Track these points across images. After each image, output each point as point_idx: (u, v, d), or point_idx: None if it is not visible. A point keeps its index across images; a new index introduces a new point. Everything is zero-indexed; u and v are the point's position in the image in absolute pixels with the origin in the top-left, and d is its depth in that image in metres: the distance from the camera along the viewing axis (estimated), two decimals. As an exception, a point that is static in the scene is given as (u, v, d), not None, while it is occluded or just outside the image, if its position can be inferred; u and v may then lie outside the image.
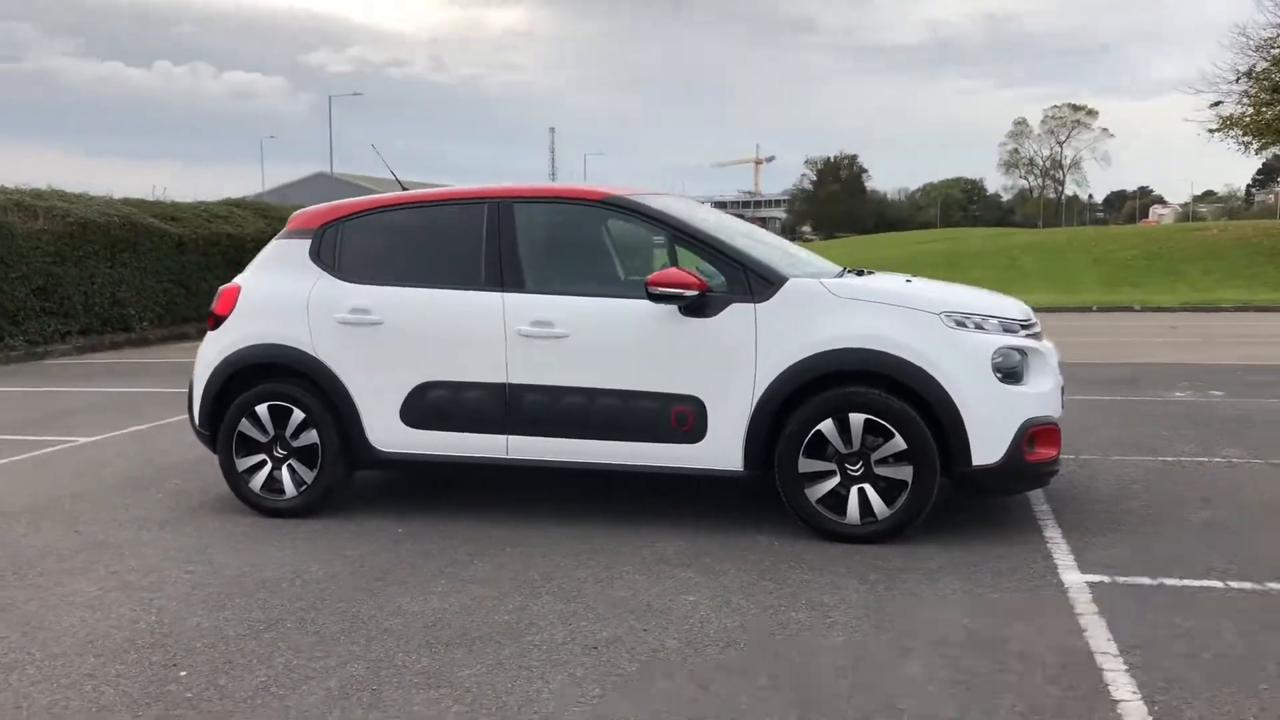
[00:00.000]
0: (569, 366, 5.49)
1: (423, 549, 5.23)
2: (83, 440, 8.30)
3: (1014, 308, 5.63)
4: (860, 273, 5.84)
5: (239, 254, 18.54)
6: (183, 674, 3.77)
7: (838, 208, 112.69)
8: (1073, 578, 4.64)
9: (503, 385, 5.54)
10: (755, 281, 5.35)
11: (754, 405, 5.25)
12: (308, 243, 6.03)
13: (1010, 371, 5.21)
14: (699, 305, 5.32)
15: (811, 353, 5.20)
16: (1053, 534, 5.29)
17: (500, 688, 3.62)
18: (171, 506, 6.12)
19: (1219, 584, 4.52)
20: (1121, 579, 4.61)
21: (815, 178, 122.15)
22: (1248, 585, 4.50)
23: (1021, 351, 5.29)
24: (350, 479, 5.97)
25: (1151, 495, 6.03)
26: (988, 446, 5.12)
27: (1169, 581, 4.57)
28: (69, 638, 4.14)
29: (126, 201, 17.63)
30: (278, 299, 5.97)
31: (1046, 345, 5.49)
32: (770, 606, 4.37)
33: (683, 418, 5.33)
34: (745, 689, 3.59)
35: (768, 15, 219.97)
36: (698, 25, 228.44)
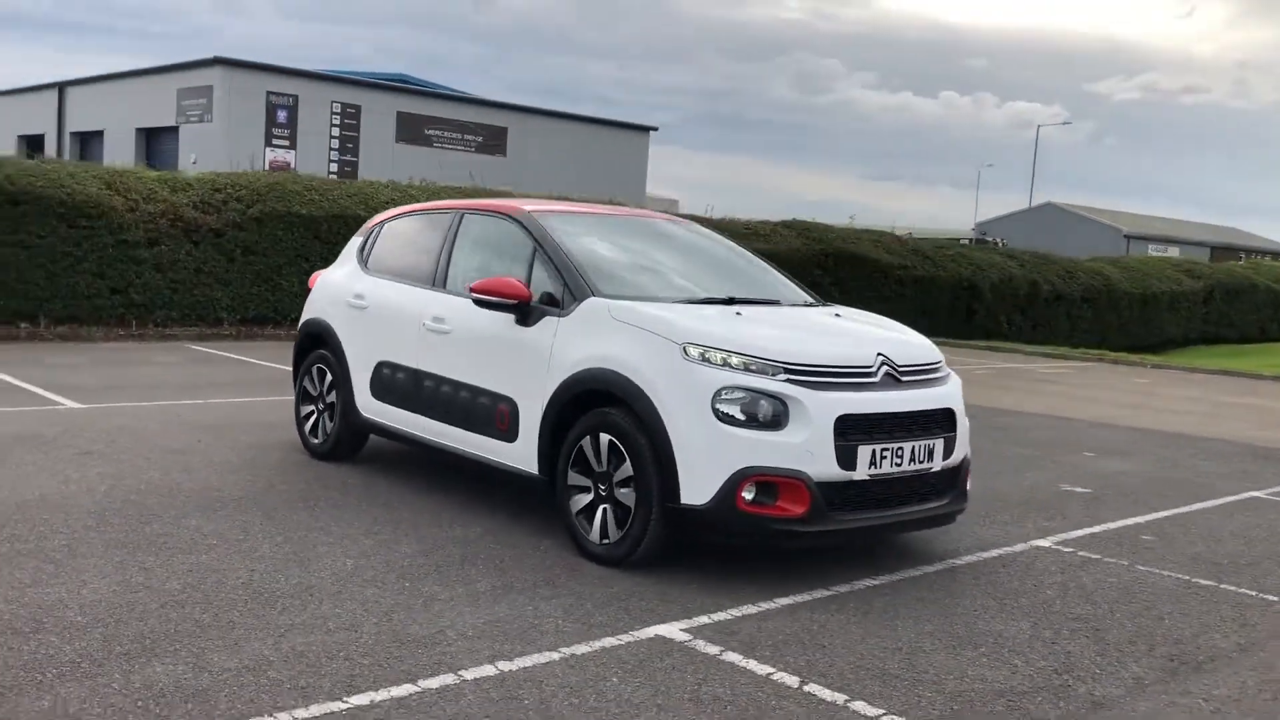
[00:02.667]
0: (447, 359, 6.23)
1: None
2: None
3: (836, 352, 5.24)
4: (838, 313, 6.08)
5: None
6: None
7: None
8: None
9: (415, 370, 6.45)
10: (565, 295, 5.64)
11: (542, 414, 5.58)
12: (361, 240, 7.42)
13: (750, 415, 4.93)
14: (524, 313, 5.75)
15: (577, 369, 5.40)
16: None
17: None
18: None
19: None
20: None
21: None
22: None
23: (773, 397, 4.96)
24: (356, 439, 7.18)
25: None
26: (696, 486, 4.94)
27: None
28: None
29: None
30: (328, 284, 7.45)
31: (826, 397, 5.00)
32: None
33: (503, 417, 5.81)
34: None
35: None
36: None
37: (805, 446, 4.92)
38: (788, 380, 5.01)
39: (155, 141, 34.89)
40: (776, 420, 4.94)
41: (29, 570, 4.67)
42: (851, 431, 5.03)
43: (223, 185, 15.27)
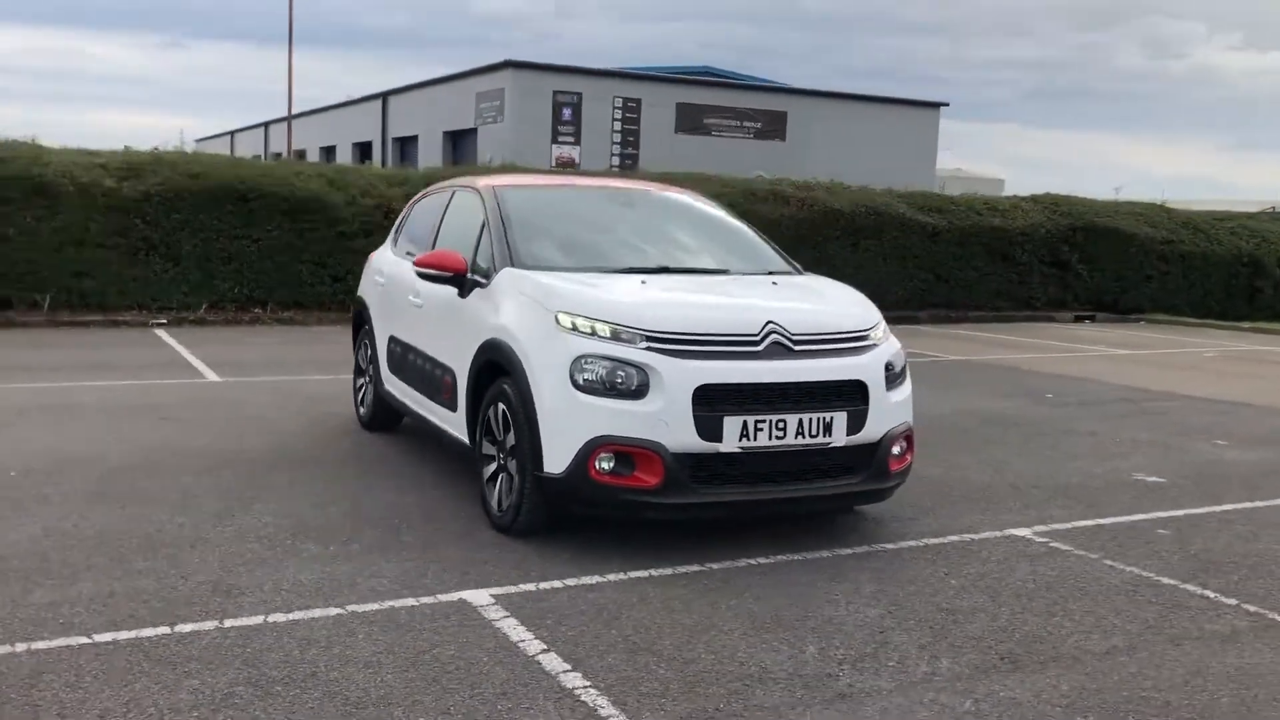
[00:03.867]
0: (421, 332, 6.47)
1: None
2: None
3: (712, 319, 5.04)
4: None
5: (1003, 245, 19.12)
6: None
7: None
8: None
9: (406, 344, 6.73)
10: (492, 267, 5.71)
11: (467, 384, 5.69)
12: (399, 219, 7.78)
13: (609, 384, 4.84)
14: (460, 285, 5.87)
15: (483, 340, 5.48)
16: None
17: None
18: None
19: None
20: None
21: None
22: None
23: (634, 365, 4.84)
24: (389, 412, 7.43)
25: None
26: (556, 455, 4.91)
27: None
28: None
29: (895, 193, 19.40)
30: (369, 262, 7.87)
31: (685, 366, 4.81)
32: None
33: (447, 388, 5.98)
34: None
35: None
36: None
37: (660, 416, 4.78)
38: (648, 348, 4.87)
39: (460, 144, 37.41)
40: (639, 390, 4.82)
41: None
42: (718, 401, 4.82)
43: (439, 177, 16.26)
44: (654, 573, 4.80)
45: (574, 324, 5.01)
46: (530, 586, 4.58)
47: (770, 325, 5.05)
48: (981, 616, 4.44)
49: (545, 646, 3.96)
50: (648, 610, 4.37)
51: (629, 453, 4.80)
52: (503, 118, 34.42)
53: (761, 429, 4.89)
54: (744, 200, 16.67)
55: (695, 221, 6.78)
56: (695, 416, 4.79)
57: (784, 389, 4.95)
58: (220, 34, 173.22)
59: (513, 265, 5.61)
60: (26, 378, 9.34)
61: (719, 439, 4.82)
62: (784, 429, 4.92)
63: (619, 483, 4.82)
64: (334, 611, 4.23)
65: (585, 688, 3.65)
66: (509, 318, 5.31)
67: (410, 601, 4.37)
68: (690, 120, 36.00)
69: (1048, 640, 4.21)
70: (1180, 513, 6.15)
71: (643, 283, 5.43)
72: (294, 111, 41.17)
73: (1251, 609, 4.63)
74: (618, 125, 35.63)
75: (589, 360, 4.89)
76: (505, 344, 5.24)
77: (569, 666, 3.80)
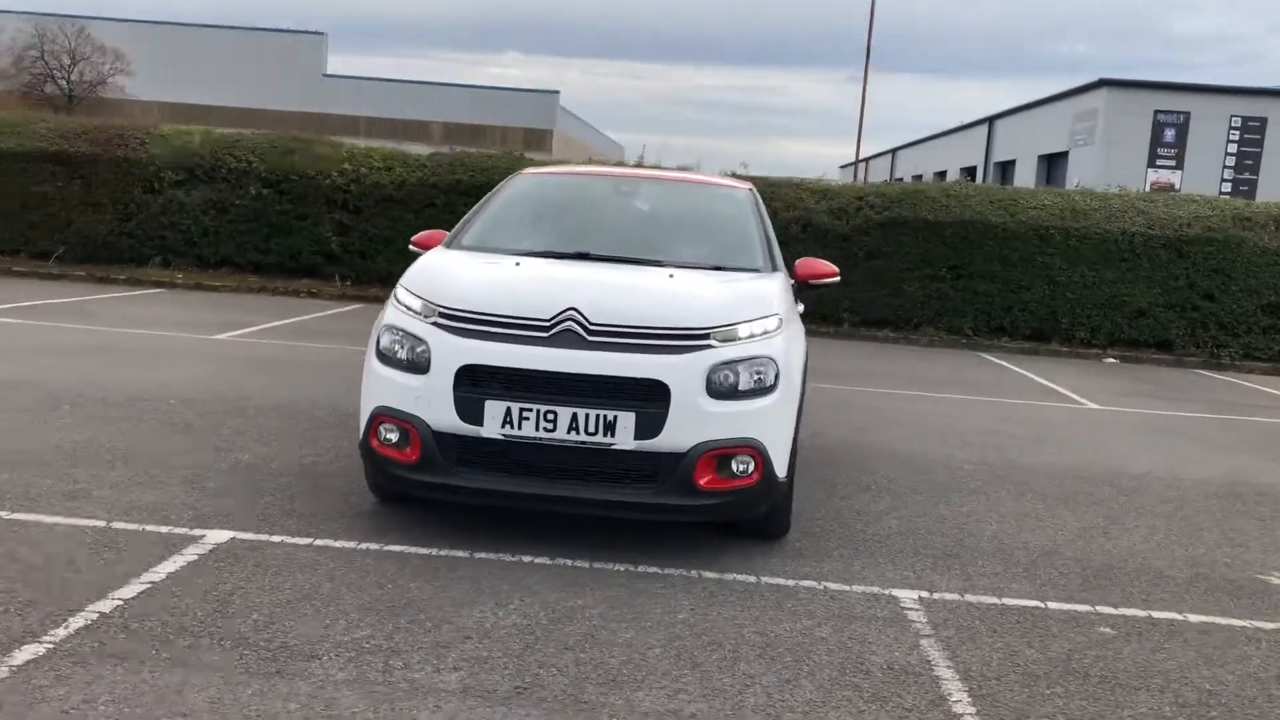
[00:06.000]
0: None
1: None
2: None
3: (504, 299, 4.81)
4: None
5: None
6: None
7: None
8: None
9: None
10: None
11: None
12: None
13: (396, 356, 4.84)
14: None
15: None
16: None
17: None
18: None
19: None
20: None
21: None
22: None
23: (416, 339, 4.79)
24: None
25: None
26: (362, 423, 5.00)
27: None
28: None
29: None
30: None
31: (453, 343, 4.64)
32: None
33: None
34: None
35: None
36: None
37: (421, 391, 4.69)
38: (434, 324, 4.79)
39: (1053, 168, 35.58)
40: (419, 364, 4.77)
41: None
42: (482, 384, 4.61)
43: (865, 194, 15.98)
44: (411, 549, 4.72)
45: (399, 296, 5.06)
46: (266, 538, 4.76)
47: (569, 312, 4.69)
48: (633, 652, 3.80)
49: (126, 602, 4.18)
50: (264, 583, 4.36)
51: (401, 426, 4.76)
52: (1092, 140, 32.12)
53: (528, 418, 4.57)
54: None
55: (699, 215, 6.30)
56: (456, 397, 4.62)
57: (557, 379, 4.57)
58: (894, 67, 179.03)
59: (447, 246, 5.74)
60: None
61: (480, 423, 4.60)
62: (554, 421, 4.55)
63: (391, 455, 4.80)
64: (81, 522, 4.79)
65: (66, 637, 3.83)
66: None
67: (153, 529, 4.78)
68: (1331, 140, 30.77)
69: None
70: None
71: (516, 264, 5.29)
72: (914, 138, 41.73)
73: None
74: (1233, 148, 31.54)
75: (388, 330, 4.93)
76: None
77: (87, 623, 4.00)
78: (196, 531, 4.78)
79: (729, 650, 3.90)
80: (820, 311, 14.79)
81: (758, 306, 5.01)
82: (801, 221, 15.54)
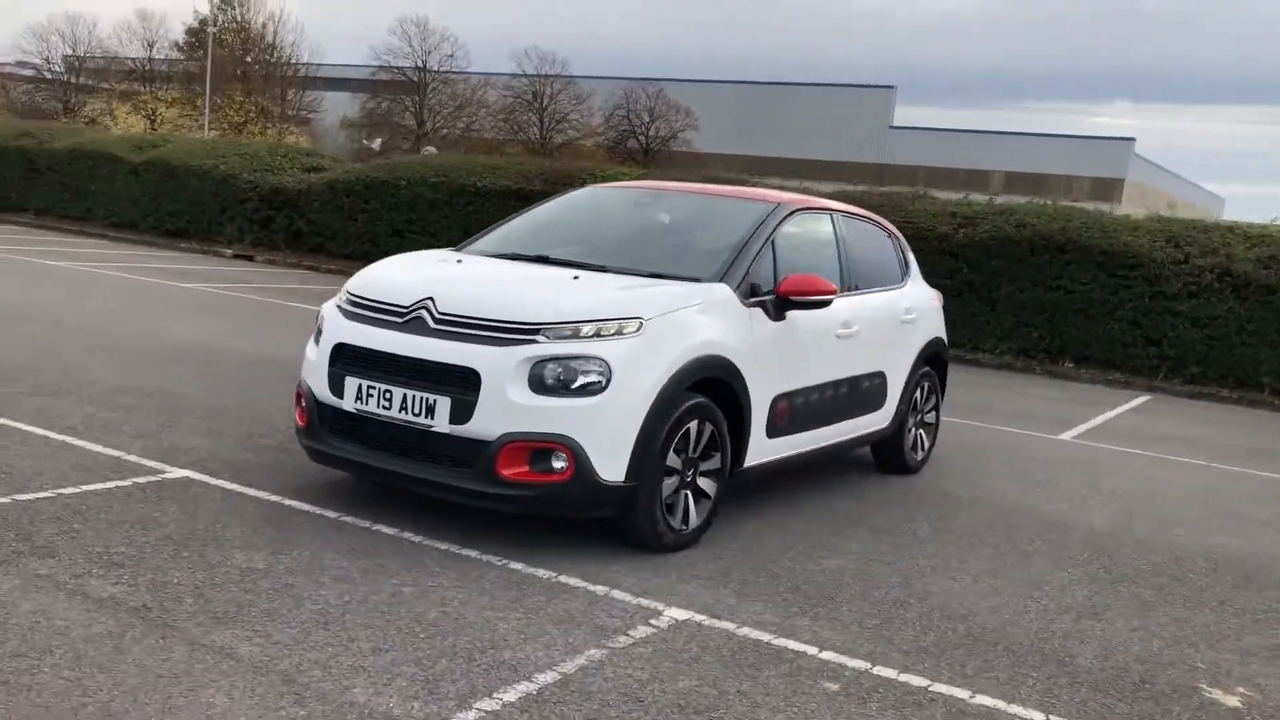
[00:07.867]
0: None
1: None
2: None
3: (387, 289, 5.19)
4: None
5: None
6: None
7: None
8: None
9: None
10: None
11: None
12: None
13: (316, 334, 5.43)
14: None
15: None
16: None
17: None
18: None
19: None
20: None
21: None
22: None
23: (323, 318, 5.40)
24: None
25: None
26: None
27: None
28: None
29: None
30: None
31: (338, 324, 5.15)
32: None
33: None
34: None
35: None
36: None
37: (314, 364, 5.25)
38: (339, 308, 5.35)
39: None
40: (318, 341, 5.36)
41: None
42: (347, 362, 5.06)
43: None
44: (326, 512, 5.24)
45: (345, 288, 5.58)
46: (208, 480, 5.52)
47: (424, 301, 4.98)
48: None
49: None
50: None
51: (301, 394, 5.36)
52: None
53: (372, 395, 4.93)
54: None
55: (697, 227, 6.18)
56: (329, 372, 5.11)
57: (395, 360, 4.90)
58: None
59: (455, 249, 6.21)
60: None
61: (343, 396, 5.03)
62: (390, 400, 4.87)
63: (297, 418, 5.41)
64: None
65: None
66: None
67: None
68: None
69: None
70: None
71: (459, 262, 5.63)
72: None
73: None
74: None
75: (320, 316, 5.50)
76: None
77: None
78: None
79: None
80: None
81: (621, 309, 4.91)
82: (1219, 270, 13.58)
